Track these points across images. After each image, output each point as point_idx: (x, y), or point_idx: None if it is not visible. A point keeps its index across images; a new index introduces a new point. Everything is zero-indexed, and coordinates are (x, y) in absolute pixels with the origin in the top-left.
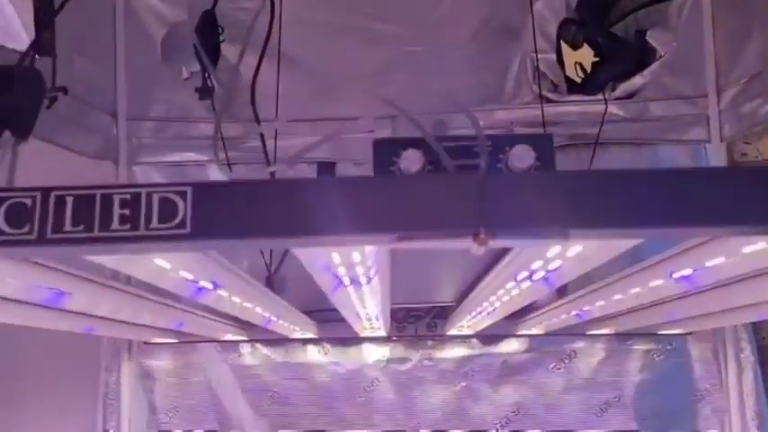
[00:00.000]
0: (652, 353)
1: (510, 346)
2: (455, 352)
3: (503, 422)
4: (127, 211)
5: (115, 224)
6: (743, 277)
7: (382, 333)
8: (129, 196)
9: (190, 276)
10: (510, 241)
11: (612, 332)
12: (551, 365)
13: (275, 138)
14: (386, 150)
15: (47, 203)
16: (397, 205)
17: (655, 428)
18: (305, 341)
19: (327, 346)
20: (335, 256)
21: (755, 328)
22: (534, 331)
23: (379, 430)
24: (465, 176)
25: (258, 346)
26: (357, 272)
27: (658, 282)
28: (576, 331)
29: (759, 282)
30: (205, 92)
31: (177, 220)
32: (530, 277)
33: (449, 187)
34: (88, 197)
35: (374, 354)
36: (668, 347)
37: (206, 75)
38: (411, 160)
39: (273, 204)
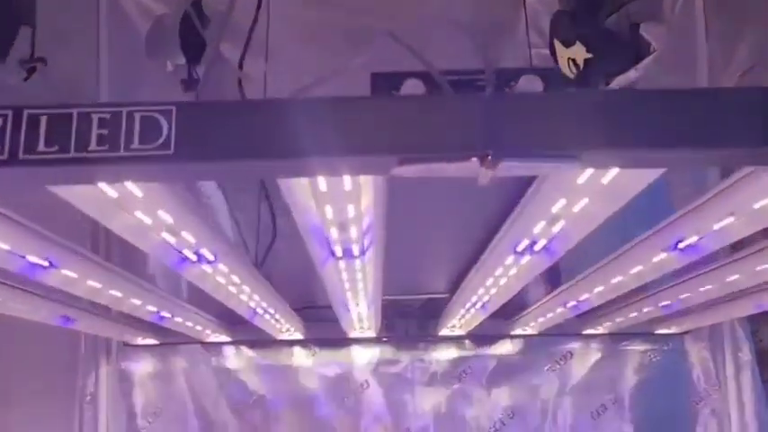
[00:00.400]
0: (648, 353)
1: (503, 347)
2: (447, 353)
3: (496, 425)
4: (106, 131)
5: (93, 145)
6: (742, 256)
7: (372, 334)
8: (108, 115)
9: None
10: (518, 165)
11: (608, 332)
12: (546, 367)
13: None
14: (386, 82)
15: (19, 122)
16: (397, 127)
17: (651, 430)
18: (292, 343)
19: (315, 348)
20: (328, 210)
21: (752, 330)
22: (528, 331)
23: None
24: (470, 97)
25: (243, 348)
26: (351, 235)
27: (662, 255)
28: (570, 331)
29: (758, 259)
30: (190, 84)
31: (160, 141)
32: (531, 247)
33: (453, 108)
34: (64, 116)
35: (363, 355)
36: (665, 348)
37: (190, 67)
38: (412, 89)
39: (264, 124)
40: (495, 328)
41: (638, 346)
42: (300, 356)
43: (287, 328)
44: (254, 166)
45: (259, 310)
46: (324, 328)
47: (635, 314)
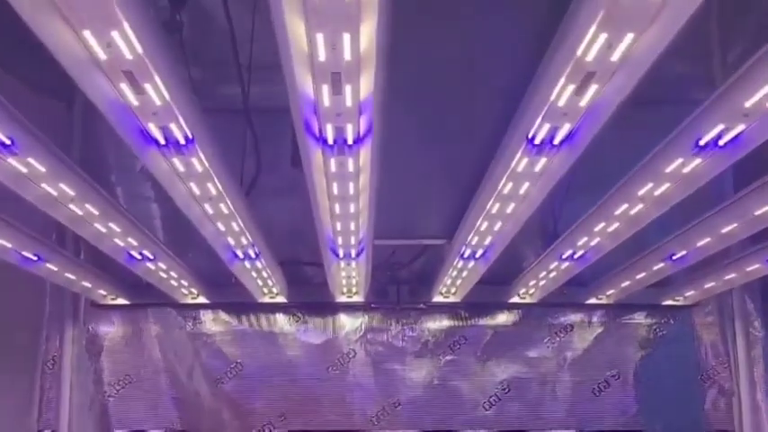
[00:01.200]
0: (654, 327)
1: (500, 317)
2: (440, 322)
3: (491, 400)
4: None
5: None
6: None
7: (360, 299)
8: None
9: None
10: None
11: (611, 302)
12: (545, 339)
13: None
14: None
15: None
16: None
17: (658, 411)
18: (274, 308)
19: (299, 313)
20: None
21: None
22: (527, 300)
23: (351, 409)
24: None
25: (221, 312)
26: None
27: (679, 160)
28: (571, 301)
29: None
30: (172, 26)
31: None
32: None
33: None
34: None
35: (350, 323)
36: (671, 321)
37: (174, 9)
38: None
39: None
40: (491, 295)
41: (642, 320)
42: (283, 322)
43: (270, 287)
44: None
45: (242, 254)
46: (309, 291)
47: (640, 275)
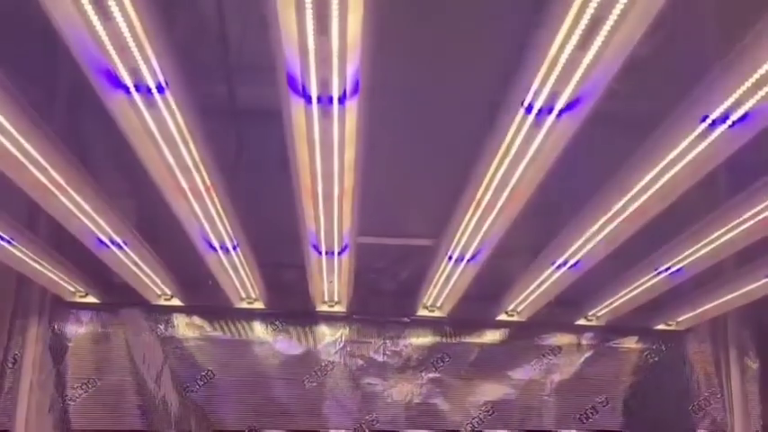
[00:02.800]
0: (645, 353)
1: (486, 335)
2: (424, 338)
3: (474, 422)
4: None
5: None
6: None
7: (341, 309)
8: None
9: None
10: None
11: (601, 324)
12: (532, 361)
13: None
14: None
15: None
16: None
17: None
18: (251, 314)
19: (276, 321)
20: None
21: None
22: (515, 318)
23: (326, 425)
24: None
25: (194, 316)
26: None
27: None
28: (560, 321)
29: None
30: None
31: None
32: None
33: None
34: None
35: (330, 334)
36: (663, 348)
37: None
38: None
39: None
40: (478, 311)
41: (633, 344)
42: (260, 330)
43: (248, 290)
44: None
45: (218, 244)
46: (289, 299)
47: (630, 291)
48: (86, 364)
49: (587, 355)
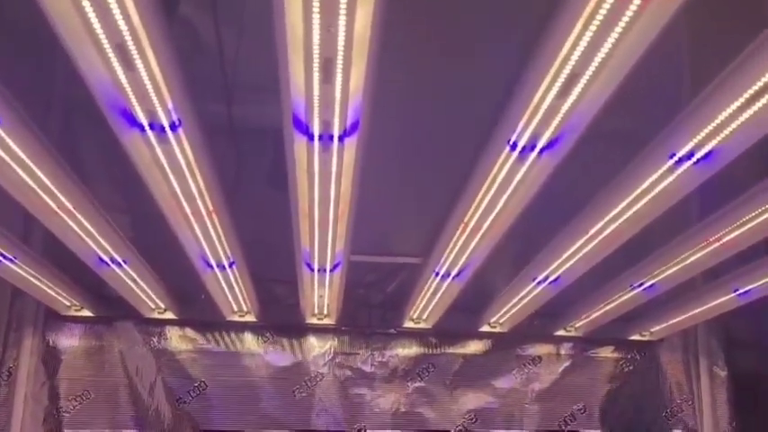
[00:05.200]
0: (620, 362)
1: (470, 346)
2: (410, 349)
3: (458, 430)
4: None
5: None
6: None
7: (331, 322)
8: None
9: None
10: None
11: (579, 335)
12: (513, 370)
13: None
14: None
15: None
16: None
17: None
18: (242, 326)
19: (267, 333)
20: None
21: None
22: (497, 329)
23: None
24: None
25: (187, 329)
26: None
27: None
28: (540, 332)
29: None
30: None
31: None
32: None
33: None
34: None
35: (319, 345)
36: (638, 357)
37: None
38: None
39: None
40: (462, 323)
41: (609, 354)
42: (251, 342)
43: (240, 303)
44: None
45: (215, 262)
46: (279, 311)
47: (606, 305)
48: (80, 377)
49: (566, 364)
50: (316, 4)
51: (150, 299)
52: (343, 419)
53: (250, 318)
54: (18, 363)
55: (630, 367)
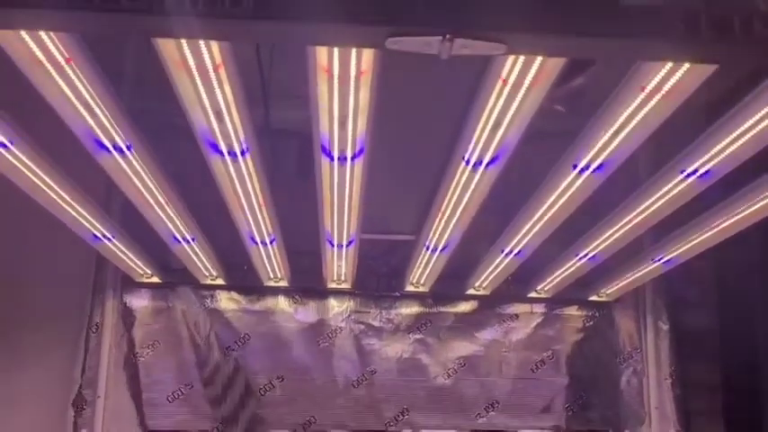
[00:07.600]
0: (583, 318)
1: (460, 306)
2: (410, 308)
3: (449, 372)
4: None
5: None
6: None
7: (347, 286)
8: None
9: None
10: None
11: (548, 296)
12: (495, 325)
13: None
14: None
15: None
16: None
17: (582, 384)
18: (277, 290)
19: (297, 296)
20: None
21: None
22: (481, 292)
23: (336, 375)
24: None
25: (233, 293)
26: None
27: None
28: (516, 294)
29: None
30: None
31: None
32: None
33: None
34: None
35: (338, 306)
36: (597, 314)
37: None
38: None
39: None
40: (453, 287)
41: (574, 312)
42: (283, 303)
43: (276, 272)
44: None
45: (259, 239)
46: (306, 278)
47: (563, 273)
48: (151, 330)
49: (538, 320)
50: (335, 85)
51: (206, 268)
52: (358, 364)
53: (283, 283)
54: (103, 319)
55: (591, 323)
